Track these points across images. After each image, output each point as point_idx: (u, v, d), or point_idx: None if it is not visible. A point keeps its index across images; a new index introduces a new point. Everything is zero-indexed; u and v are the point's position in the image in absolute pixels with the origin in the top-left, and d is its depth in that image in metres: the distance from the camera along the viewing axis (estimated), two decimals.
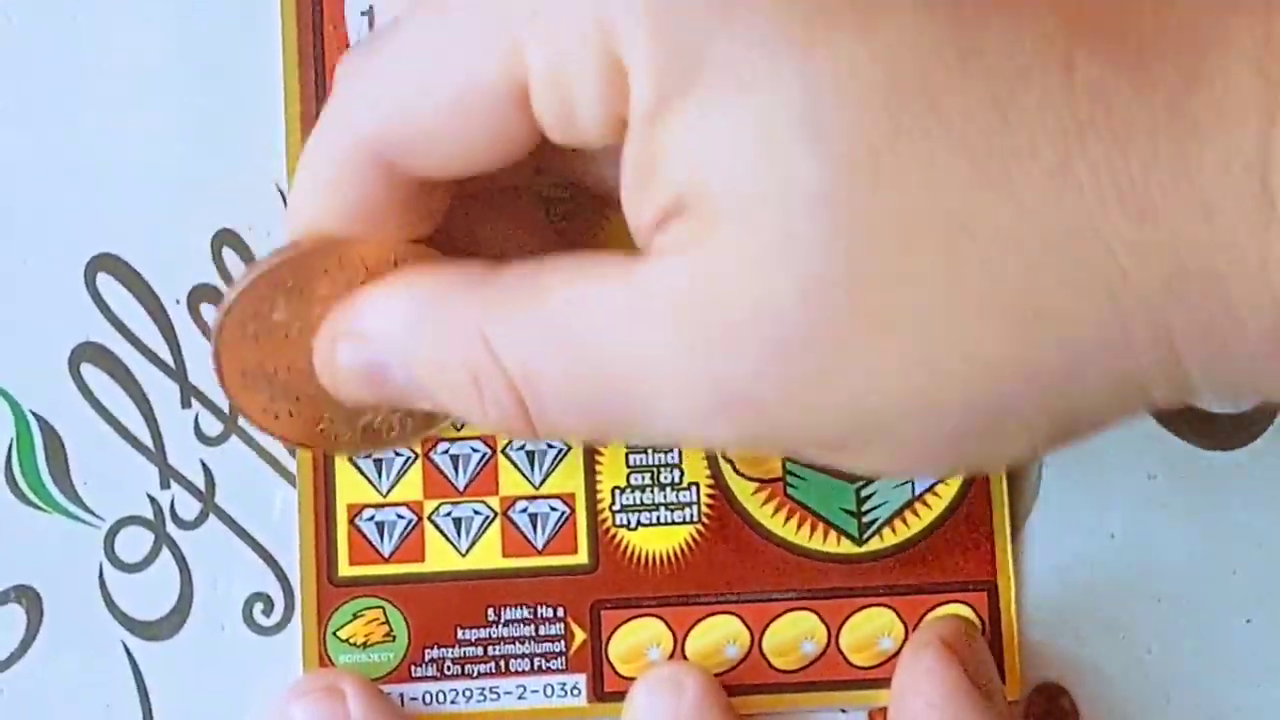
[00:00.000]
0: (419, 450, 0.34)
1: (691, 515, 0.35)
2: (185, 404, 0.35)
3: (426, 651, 0.34)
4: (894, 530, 0.35)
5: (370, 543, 0.34)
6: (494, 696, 0.34)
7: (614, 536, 0.35)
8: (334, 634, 0.34)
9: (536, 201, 0.34)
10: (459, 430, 0.34)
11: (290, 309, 0.31)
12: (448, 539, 0.34)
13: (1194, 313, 0.24)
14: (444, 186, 0.30)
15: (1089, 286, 0.24)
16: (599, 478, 0.35)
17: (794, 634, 0.35)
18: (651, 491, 0.35)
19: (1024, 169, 0.24)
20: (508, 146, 0.28)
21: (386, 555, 0.34)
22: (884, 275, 0.25)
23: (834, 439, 0.27)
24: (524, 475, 0.35)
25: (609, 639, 0.35)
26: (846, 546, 0.35)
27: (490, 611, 0.34)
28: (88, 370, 0.35)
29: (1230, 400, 0.25)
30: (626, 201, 0.27)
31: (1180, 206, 0.24)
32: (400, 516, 0.34)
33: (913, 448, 0.26)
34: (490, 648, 0.34)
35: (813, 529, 0.35)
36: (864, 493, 0.35)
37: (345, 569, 0.34)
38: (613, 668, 0.35)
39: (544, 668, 0.34)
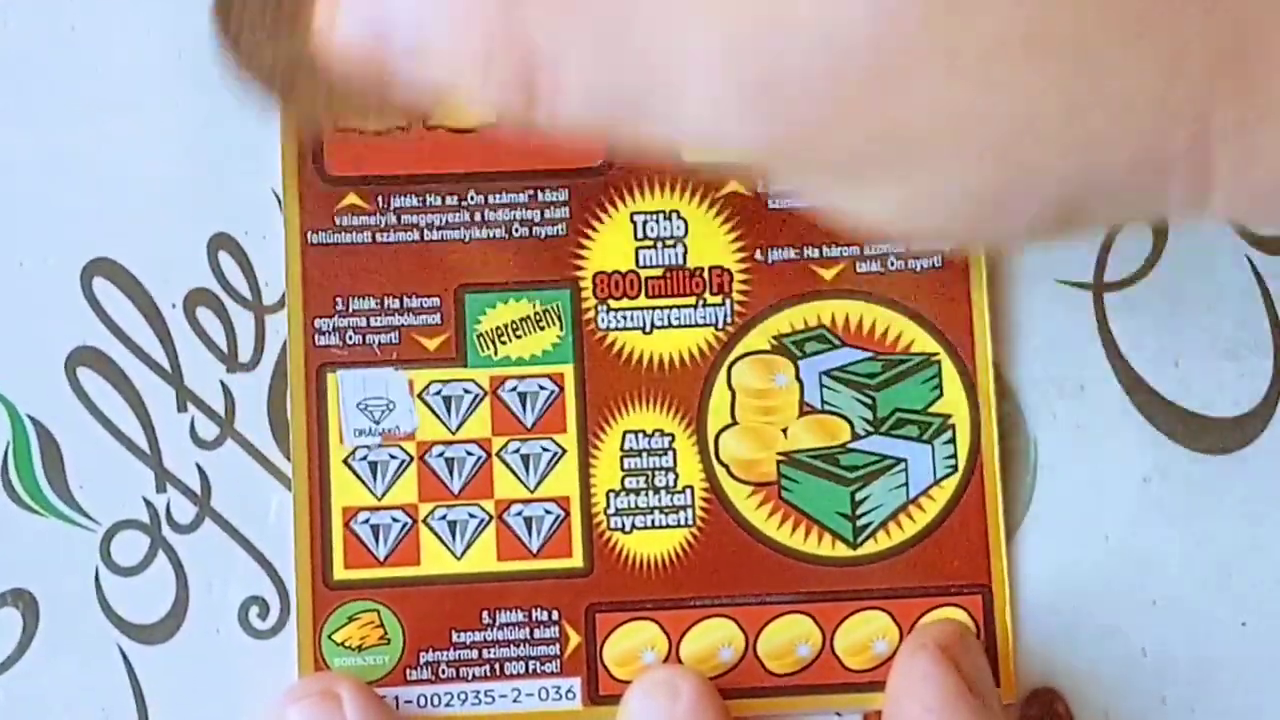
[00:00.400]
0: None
1: (686, 519, 0.35)
2: (181, 408, 0.35)
3: (421, 655, 0.34)
4: (888, 534, 0.35)
5: (365, 546, 0.34)
6: (489, 700, 0.34)
7: (609, 540, 0.35)
8: (329, 637, 0.34)
9: None
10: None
11: None
12: (443, 542, 0.35)
13: (1236, 100, 0.24)
14: None
15: (1146, 45, 0.24)
16: (593, 481, 0.35)
17: (789, 637, 0.35)
18: (646, 495, 0.35)
19: None
20: None
21: (381, 558, 0.34)
22: (953, 8, 0.24)
23: (856, 159, 0.26)
24: (519, 478, 0.35)
25: (604, 642, 0.35)
26: (841, 550, 0.35)
27: (485, 615, 0.34)
28: (84, 374, 0.35)
29: (1238, 221, 0.25)
30: None
31: None
32: (395, 520, 0.34)
33: (930, 186, 0.26)
34: (485, 651, 0.34)
35: (807, 532, 0.35)
36: (858, 496, 0.35)
37: (340, 572, 0.34)
38: (607, 671, 0.35)
39: (539, 671, 0.34)
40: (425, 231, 0.35)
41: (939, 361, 0.35)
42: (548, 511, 0.35)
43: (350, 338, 0.35)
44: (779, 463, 0.35)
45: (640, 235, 0.35)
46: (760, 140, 0.26)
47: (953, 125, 0.25)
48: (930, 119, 0.25)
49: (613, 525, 0.35)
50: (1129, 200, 0.26)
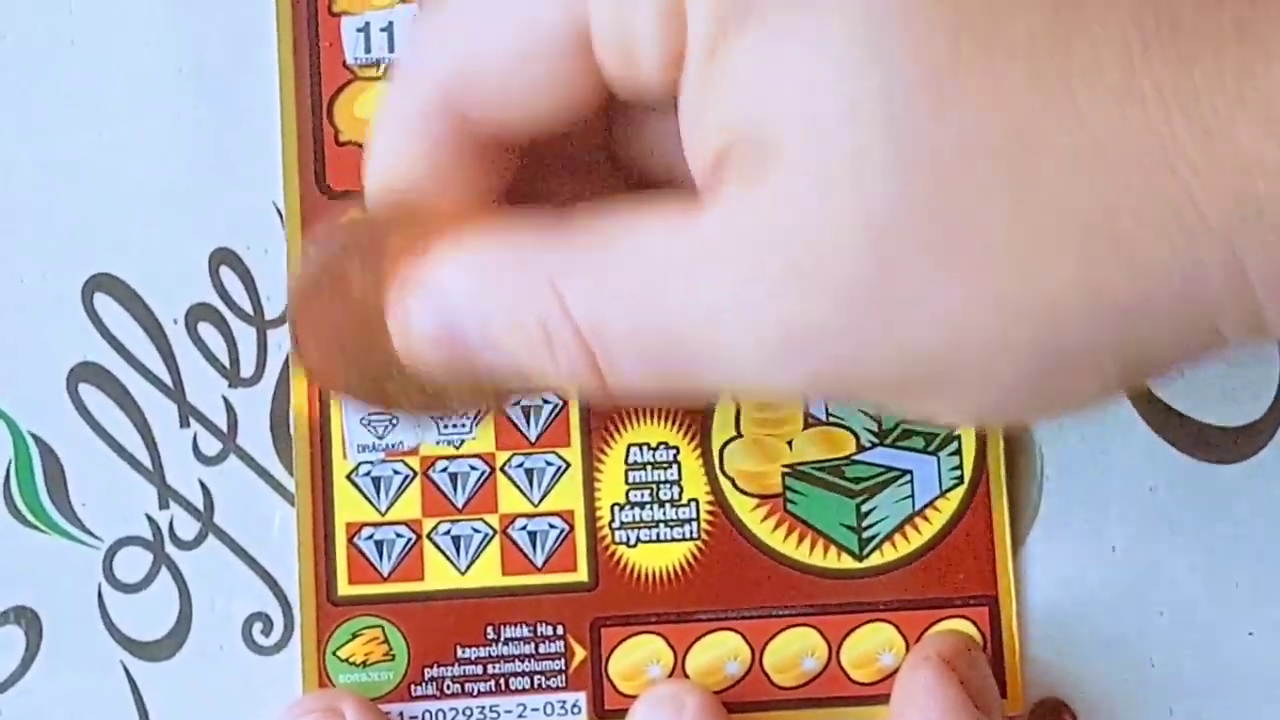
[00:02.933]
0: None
1: (691, 532, 0.35)
2: (184, 423, 0.35)
3: (426, 670, 0.34)
4: (894, 545, 0.35)
5: (369, 561, 0.34)
6: (494, 715, 0.34)
7: (614, 553, 0.35)
8: (333, 653, 0.34)
9: (609, 166, 0.32)
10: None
11: (364, 272, 0.29)
12: (447, 557, 0.34)
13: (1265, 238, 0.24)
14: (516, 147, 0.30)
15: (1158, 212, 0.24)
16: (598, 494, 0.35)
17: (795, 650, 0.35)
18: (651, 508, 0.35)
19: (1089, 88, 0.24)
20: (572, 99, 0.28)
21: (386, 574, 0.34)
22: (949, 202, 0.24)
23: (900, 381, 0.26)
24: (523, 493, 0.35)
25: (609, 656, 0.34)
26: (847, 562, 0.35)
27: (490, 630, 0.34)
28: (86, 390, 0.35)
29: None
30: (686, 142, 0.27)
31: (1247, 125, 0.23)
32: (399, 535, 0.34)
33: (980, 391, 0.26)
34: (490, 666, 0.34)
35: (813, 544, 0.35)
36: (864, 508, 0.35)
37: (344, 588, 0.34)
38: (613, 685, 0.34)
39: (544, 686, 0.34)
40: None
41: None
42: (552, 526, 0.35)
43: None
44: (784, 475, 0.35)
45: None
46: (801, 379, 0.26)
47: (977, 328, 0.25)
48: (953, 327, 0.25)
49: (617, 539, 0.35)
50: (1187, 342, 0.25)
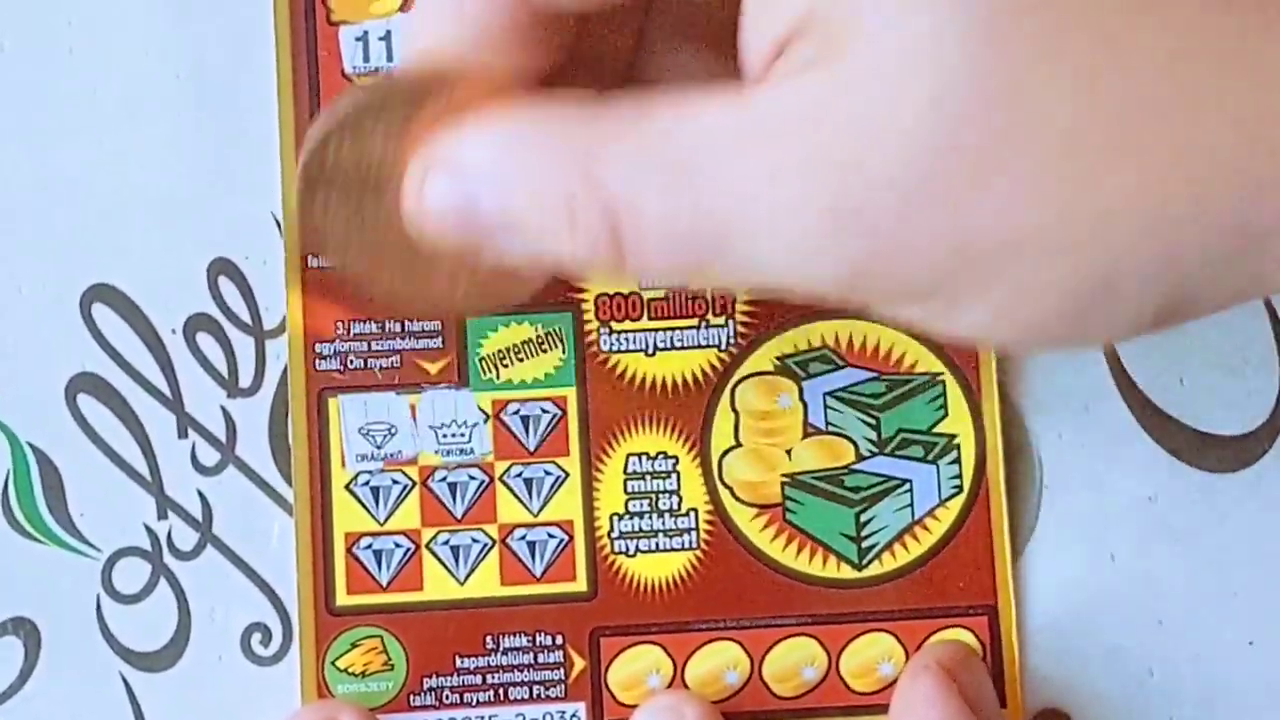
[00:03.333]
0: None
1: (690, 541, 0.35)
2: (182, 434, 0.35)
3: (425, 680, 0.34)
4: (894, 555, 0.35)
5: (368, 571, 0.34)
6: None
7: (613, 563, 0.34)
8: (332, 664, 0.34)
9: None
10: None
11: (387, 134, 0.29)
12: (446, 567, 0.34)
13: None
14: (561, 29, 0.29)
15: (1232, 131, 0.23)
16: (597, 504, 0.35)
17: (794, 660, 0.35)
18: (650, 518, 0.35)
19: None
20: None
21: (384, 584, 0.34)
22: (1024, 94, 0.24)
23: (943, 279, 0.25)
24: (522, 503, 0.34)
25: (608, 666, 0.34)
26: (846, 572, 0.35)
27: (489, 640, 0.34)
28: (84, 401, 0.34)
29: None
30: (746, 29, 0.26)
31: None
32: (398, 545, 0.34)
33: (1018, 299, 0.25)
34: (489, 676, 0.34)
35: (812, 554, 0.35)
36: (863, 517, 0.35)
37: (343, 598, 0.34)
38: (612, 695, 0.34)
39: (543, 696, 0.34)
40: None
41: (943, 381, 0.35)
42: (551, 535, 0.35)
43: (351, 362, 0.34)
44: (783, 484, 0.35)
45: None
46: (842, 269, 0.25)
47: (1032, 228, 0.24)
48: (1009, 224, 0.24)
49: (616, 549, 0.35)
50: (1229, 283, 0.25)
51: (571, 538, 0.34)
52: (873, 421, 0.35)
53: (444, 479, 0.34)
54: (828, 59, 0.25)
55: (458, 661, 0.34)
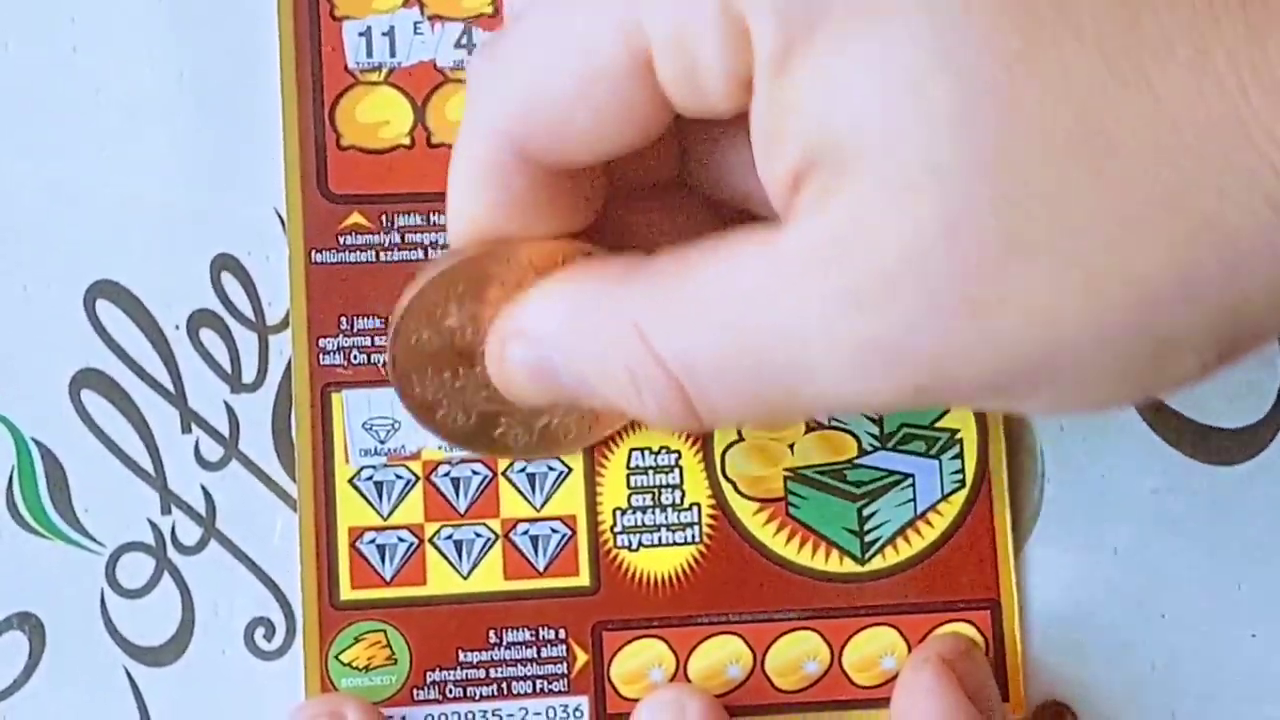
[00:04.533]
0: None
1: (693, 536, 0.35)
2: (185, 429, 0.35)
3: (428, 674, 0.34)
4: (896, 549, 0.35)
5: (371, 566, 0.34)
6: (496, 719, 0.34)
7: (615, 558, 0.35)
8: (336, 658, 0.34)
9: (694, 196, 0.33)
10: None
11: (461, 313, 0.31)
12: (449, 562, 0.34)
13: None
14: (595, 176, 0.30)
15: (1242, 186, 0.23)
16: (600, 499, 0.35)
17: (796, 654, 0.35)
18: (653, 512, 0.35)
19: (1160, 66, 0.23)
20: (638, 124, 0.28)
21: (388, 578, 0.34)
22: (1030, 196, 0.24)
23: (997, 382, 0.25)
24: (525, 497, 0.35)
25: (611, 660, 0.34)
26: (849, 566, 0.35)
27: (492, 634, 0.34)
28: (88, 396, 0.35)
29: None
30: (760, 166, 0.27)
31: None
32: (401, 539, 0.34)
33: (1079, 383, 0.25)
34: (492, 670, 0.34)
35: (815, 548, 0.35)
36: (866, 511, 0.35)
37: (347, 592, 0.34)
38: (615, 689, 0.34)
39: (546, 690, 0.34)
40: (429, 250, 0.35)
41: None
42: (554, 530, 0.35)
43: (355, 357, 0.35)
44: (786, 479, 0.35)
45: None
46: (904, 394, 0.26)
47: (1072, 327, 0.24)
48: (1048, 328, 0.24)
49: (619, 543, 0.35)
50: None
51: (574, 532, 0.35)
52: (875, 416, 0.35)
53: (447, 474, 0.35)
54: (838, 193, 0.25)
55: (461, 655, 0.34)
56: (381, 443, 0.34)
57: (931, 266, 0.24)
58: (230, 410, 0.35)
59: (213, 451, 0.35)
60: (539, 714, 0.34)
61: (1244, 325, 0.25)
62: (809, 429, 0.35)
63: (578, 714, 0.34)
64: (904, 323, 0.25)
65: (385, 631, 0.34)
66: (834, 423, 0.35)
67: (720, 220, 0.32)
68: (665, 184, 0.32)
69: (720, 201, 0.32)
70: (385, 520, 0.34)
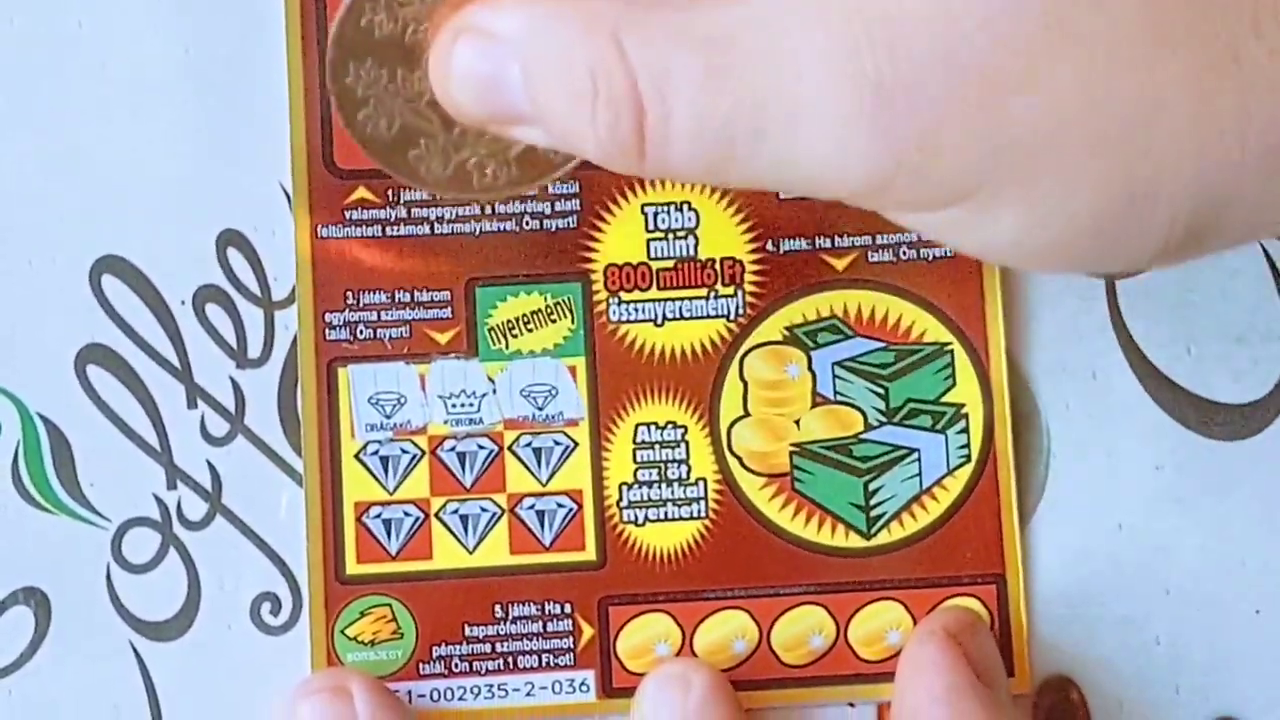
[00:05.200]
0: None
1: (699, 511, 0.35)
2: (191, 404, 0.35)
3: (434, 649, 0.34)
4: (902, 524, 0.35)
5: (377, 541, 0.34)
6: (502, 693, 0.34)
7: (621, 533, 0.35)
8: (342, 632, 0.34)
9: None
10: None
11: (422, 4, 0.29)
12: (455, 536, 0.34)
13: None
14: None
15: (1274, 31, 0.23)
16: (606, 474, 0.35)
17: (802, 628, 0.35)
18: (659, 487, 0.35)
19: None
20: None
21: (394, 553, 0.34)
22: None
23: (981, 172, 0.24)
24: (531, 472, 0.35)
25: (617, 635, 0.34)
26: (855, 541, 0.35)
27: (498, 608, 0.34)
28: (94, 372, 0.35)
29: None
30: None
31: None
32: (407, 514, 0.34)
33: (1052, 203, 0.24)
34: (498, 645, 0.34)
35: (820, 523, 0.35)
36: (872, 486, 0.35)
37: (353, 567, 0.34)
38: (621, 664, 0.34)
39: (552, 664, 0.34)
40: (435, 225, 0.35)
41: (952, 351, 0.35)
42: (560, 505, 0.35)
43: (361, 332, 0.35)
44: (792, 454, 0.35)
45: (651, 227, 0.35)
46: (882, 161, 0.25)
47: (1077, 121, 0.24)
48: (1056, 116, 0.24)
49: (625, 518, 0.35)
50: (1262, 211, 0.25)
51: (580, 507, 0.35)
52: (881, 391, 0.35)
53: (453, 449, 0.35)
54: None
55: (467, 630, 0.34)
56: (387, 418, 0.34)
57: (961, 19, 0.24)
58: (236, 385, 0.35)
59: (218, 427, 0.35)
60: (545, 688, 0.34)
61: (1227, 202, 0.24)
62: (815, 404, 0.35)
63: (584, 688, 0.34)
64: (915, 70, 0.24)
65: (391, 606, 0.34)
66: (840, 398, 0.35)
67: None
68: None
69: None
70: (391, 495, 0.34)
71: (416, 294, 0.35)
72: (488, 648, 0.34)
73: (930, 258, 0.35)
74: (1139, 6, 0.24)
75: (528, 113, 0.27)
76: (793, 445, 0.35)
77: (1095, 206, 0.24)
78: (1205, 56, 0.24)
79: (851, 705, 0.35)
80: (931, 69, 0.24)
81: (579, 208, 0.35)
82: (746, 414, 0.35)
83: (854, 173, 0.25)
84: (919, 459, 0.35)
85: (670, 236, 0.35)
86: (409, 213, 0.35)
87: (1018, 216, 0.25)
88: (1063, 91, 0.24)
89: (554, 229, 0.35)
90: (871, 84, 0.24)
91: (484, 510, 0.35)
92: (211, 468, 0.35)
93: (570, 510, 0.35)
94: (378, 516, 0.34)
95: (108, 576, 0.34)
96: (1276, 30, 0.24)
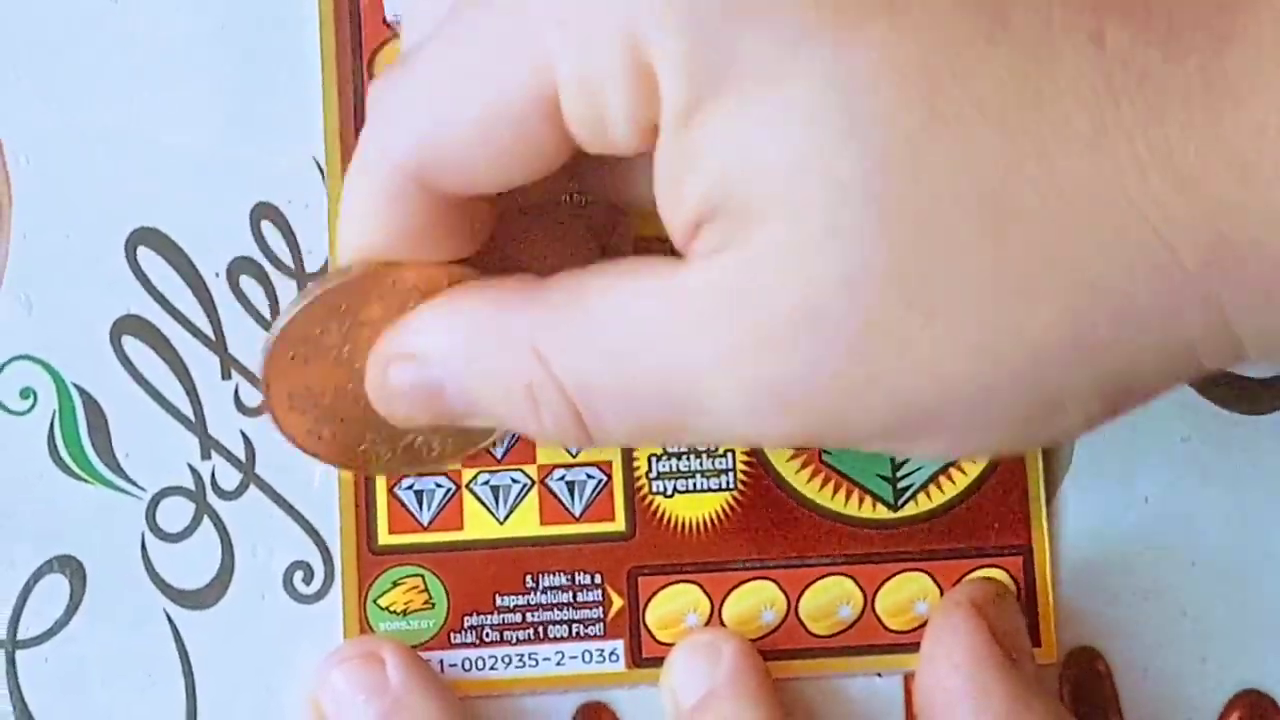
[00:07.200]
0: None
1: (727, 482, 0.35)
2: (225, 375, 0.35)
3: (465, 619, 0.35)
4: (929, 496, 0.35)
5: (409, 511, 0.35)
6: (532, 663, 0.35)
7: (650, 504, 0.35)
8: (374, 602, 0.35)
9: (576, 216, 0.34)
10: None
11: (340, 332, 0.31)
12: (486, 507, 0.35)
13: (1240, 282, 0.24)
14: (488, 204, 0.30)
15: (1135, 260, 0.24)
16: None
17: (830, 599, 0.35)
18: (687, 459, 0.35)
19: (1060, 141, 0.24)
20: (541, 159, 0.28)
21: (425, 524, 0.35)
22: (928, 262, 0.25)
23: (888, 429, 0.27)
24: None
25: (646, 605, 0.35)
26: (882, 512, 0.35)
27: (528, 579, 0.35)
28: (129, 343, 0.35)
29: None
30: (662, 207, 0.27)
31: (1217, 172, 0.24)
32: (439, 485, 0.35)
33: (967, 433, 0.27)
34: (529, 614, 0.35)
35: (848, 495, 0.35)
36: (899, 458, 0.35)
37: (385, 537, 0.35)
38: (650, 634, 0.35)
39: (582, 634, 0.35)
40: None
41: None
42: (590, 476, 0.35)
43: None
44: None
45: None
46: (795, 434, 0.27)
47: (964, 379, 0.25)
48: (942, 379, 0.25)
49: (654, 489, 0.35)
50: (1167, 377, 0.26)
51: (610, 478, 0.35)
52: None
53: None
54: (740, 243, 0.26)
55: (498, 600, 0.35)
56: None
57: (830, 320, 0.25)
58: None
59: (252, 397, 0.35)
60: (575, 658, 0.35)
61: (1132, 383, 0.26)
62: None
63: (613, 658, 0.35)
64: (800, 370, 0.26)
65: (423, 576, 0.35)
66: None
67: (600, 247, 0.33)
68: (548, 204, 0.33)
69: (613, 224, 0.33)
70: None
71: None
72: (518, 618, 0.35)
73: None
74: (993, 269, 0.25)
75: (470, 413, 0.30)
76: None
77: (1006, 431, 0.27)
78: (1075, 289, 0.25)
79: (879, 675, 0.35)
80: (814, 367, 0.26)
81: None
82: None
83: (775, 440, 0.28)
84: None
85: None
86: None
87: (939, 448, 0.27)
88: (941, 359, 0.25)
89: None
90: (764, 387, 0.26)
91: (515, 481, 0.35)
92: (245, 438, 0.35)
93: (600, 481, 0.35)
94: (409, 487, 0.35)
95: (142, 545, 0.35)
96: (1130, 253, 0.25)
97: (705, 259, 0.26)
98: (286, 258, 0.35)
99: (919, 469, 0.35)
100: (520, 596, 0.35)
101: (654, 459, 0.35)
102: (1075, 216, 0.24)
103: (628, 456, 0.35)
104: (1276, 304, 0.25)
